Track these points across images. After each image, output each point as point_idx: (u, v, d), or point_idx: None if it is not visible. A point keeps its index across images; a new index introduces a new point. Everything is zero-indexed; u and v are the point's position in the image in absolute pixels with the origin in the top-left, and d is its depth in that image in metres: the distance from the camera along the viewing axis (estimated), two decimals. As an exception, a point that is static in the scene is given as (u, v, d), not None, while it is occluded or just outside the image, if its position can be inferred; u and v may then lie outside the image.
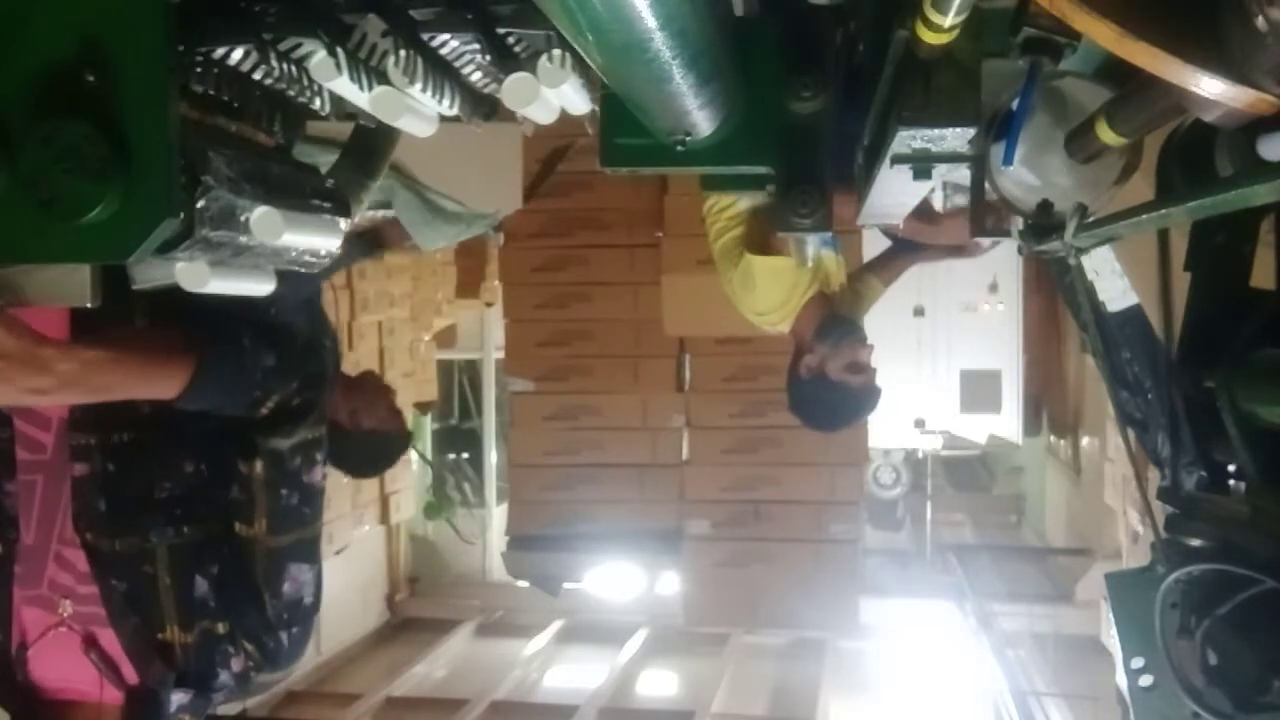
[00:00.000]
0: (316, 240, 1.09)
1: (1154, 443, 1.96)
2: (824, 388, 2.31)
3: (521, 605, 4.73)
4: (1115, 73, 0.78)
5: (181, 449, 1.27)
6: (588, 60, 0.70)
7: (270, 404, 1.22)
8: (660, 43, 0.57)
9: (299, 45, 0.91)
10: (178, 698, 1.28)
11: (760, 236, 2.23)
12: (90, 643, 1.25)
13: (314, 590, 1.32)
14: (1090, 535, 4.35)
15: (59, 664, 1.27)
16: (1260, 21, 0.45)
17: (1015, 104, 0.76)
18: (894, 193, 0.91)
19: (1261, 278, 0.89)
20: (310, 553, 1.32)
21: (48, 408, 1.24)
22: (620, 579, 4.42)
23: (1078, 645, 3.77)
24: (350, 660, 4.38)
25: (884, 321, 2.55)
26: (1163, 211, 0.70)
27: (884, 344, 2.65)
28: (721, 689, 3.87)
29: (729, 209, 2.33)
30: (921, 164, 0.77)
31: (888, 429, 4.47)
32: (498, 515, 5.16)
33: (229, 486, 1.26)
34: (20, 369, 1.01)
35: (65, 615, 1.26)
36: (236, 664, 1.30)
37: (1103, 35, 0.50)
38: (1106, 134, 0.72)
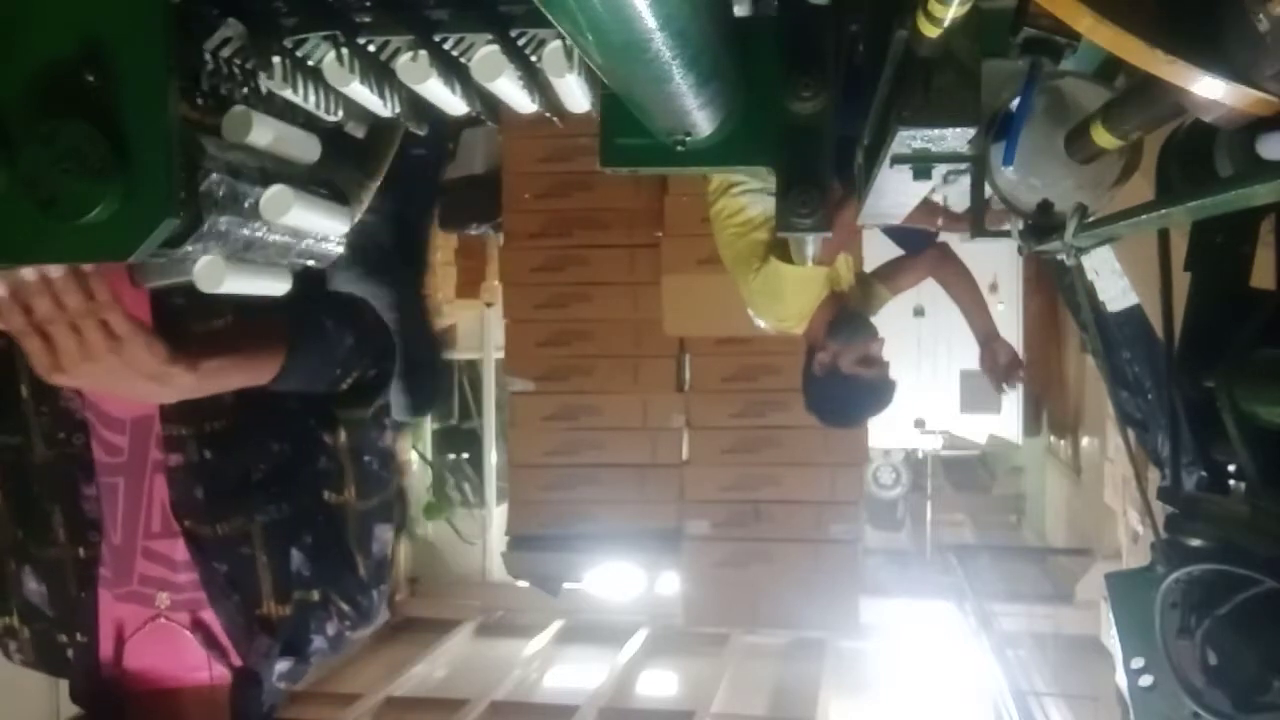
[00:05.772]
0: (325, 223, 1.09)
1: (1154, 443, 1.97)
2: (838, 383, 2.34)
3: (521, 605, 4.72)
4: (1115, 72, 0.78)
5: (266, 430, 1.30)
6: (588, 60, 0.70)
7: (350, 380, 1.28)
8: (660, 43, 0.57)
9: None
10: (279, 667, 1.32)
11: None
12: (196, 626, 1.29)
13: (393, 547, 1.38)
14: (1090, 535, 4.35)
15: (160, 653, 1.30)
16: (1262, 21, 0.45)
17: (1015, 104, 0.76)
18: (894, 193, 0.91)
19: (1261, 278, 0.89)
20: (390, 512, 1.38)
21: (120, 410, 1.28)
22: (620, 579, 4.42)
23: (1078, 645, 3.77)
24: (350, 660, 4.36)
25: (884, 322, 2.56)
26: (1163, 211, 0.70)
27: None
28: (721, 689, 3.87)
29: (737, 215, 2.33)
30: (921, 164, 0.77)
31: (888, 429, 4.46)
32: (498, 515, 5.15)
33: (313, 460, 1.31)
34: (150, 384, 1.05)
35: (163, 607, 1.29)
36: (331, 627, 1.35)
37: (1102, 36, 0.50)
38: (1102, 136, 0.72)
